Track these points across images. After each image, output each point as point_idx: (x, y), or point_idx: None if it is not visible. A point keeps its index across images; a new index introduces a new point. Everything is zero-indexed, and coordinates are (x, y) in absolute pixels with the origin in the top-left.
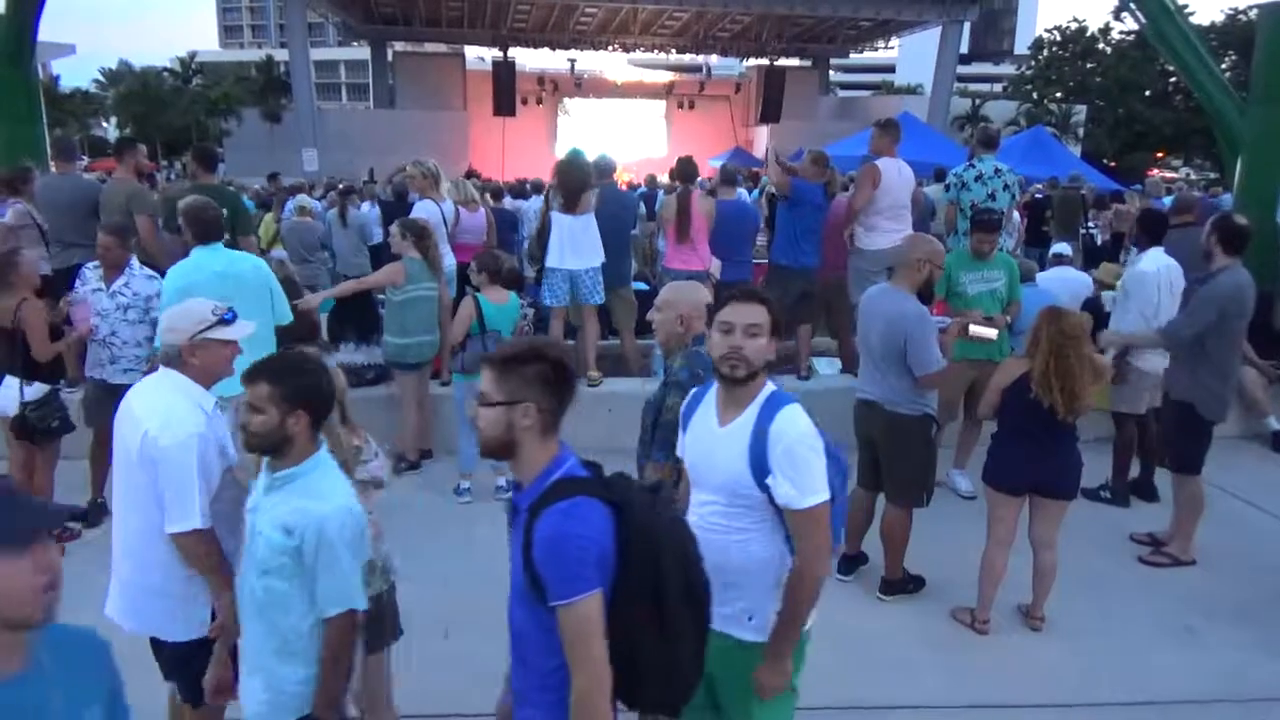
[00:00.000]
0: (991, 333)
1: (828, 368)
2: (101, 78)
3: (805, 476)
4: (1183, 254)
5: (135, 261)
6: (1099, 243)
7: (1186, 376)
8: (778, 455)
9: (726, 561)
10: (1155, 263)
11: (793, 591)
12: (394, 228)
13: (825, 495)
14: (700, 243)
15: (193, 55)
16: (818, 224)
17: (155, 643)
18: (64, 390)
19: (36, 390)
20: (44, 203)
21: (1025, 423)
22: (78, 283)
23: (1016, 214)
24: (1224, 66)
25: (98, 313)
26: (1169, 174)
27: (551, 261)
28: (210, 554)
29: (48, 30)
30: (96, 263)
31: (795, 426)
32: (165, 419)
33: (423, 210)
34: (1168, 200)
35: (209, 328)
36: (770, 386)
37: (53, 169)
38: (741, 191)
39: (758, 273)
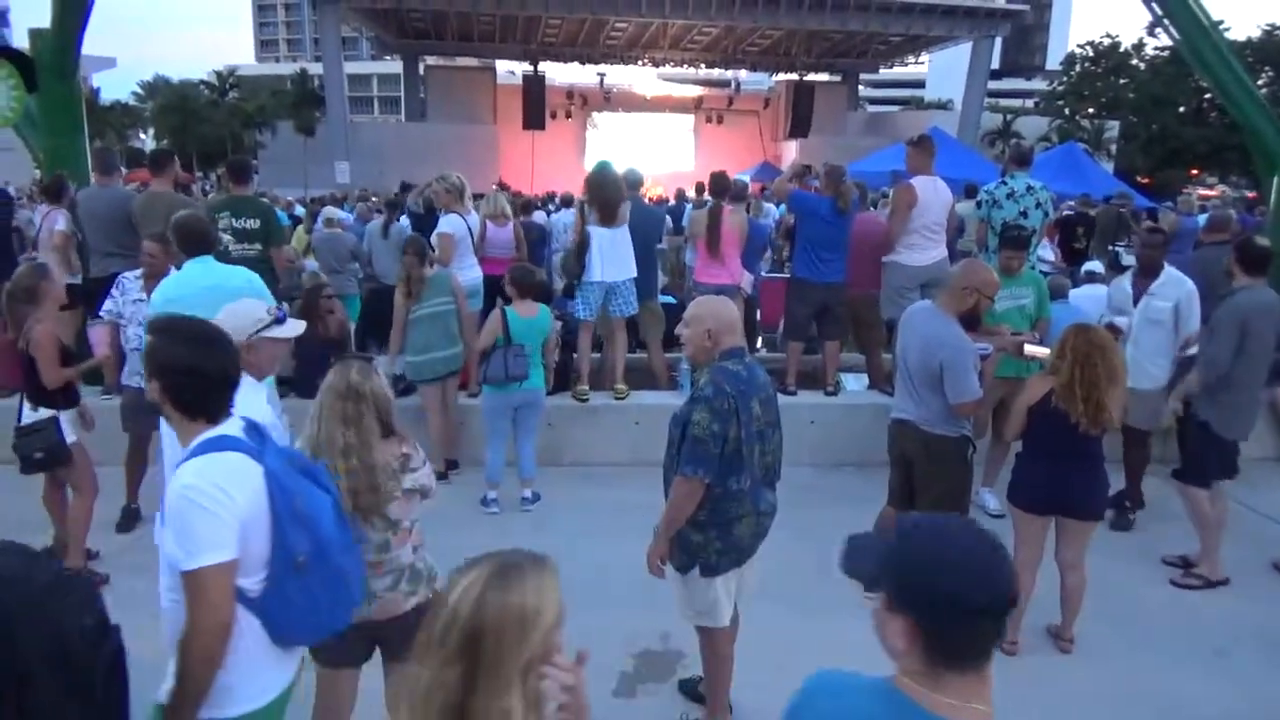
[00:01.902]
0: (1045, 351)
1: (855, 384)
2: (140, 90)
3: (182, 534)
4: (1216, 273)
5: (174, 271)
6: (1122, 262)
7: (1205, 395)
8: (166, 507)
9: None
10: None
11: (178, 662)
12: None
13: (208, 559)
14: (731, 257)
15: (231, 70)
16: (829, 237)
17: None
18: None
19: (41, 415)
20: (84, 213)
21: (1051, 441)
22: (115, 292)
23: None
24: (1260, 82)
25: (140, 322)
26: (1205, 191)
27: (593, 275)
28: None
29: (89, 44)
30: (137, 272)
31: (181, 477)
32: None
33: (448, 224)
34: (1202, 218)
35: (266, 327)
36: (211, 433)
37: (93, 180)
38: (770, 207)
39: (766, 287)
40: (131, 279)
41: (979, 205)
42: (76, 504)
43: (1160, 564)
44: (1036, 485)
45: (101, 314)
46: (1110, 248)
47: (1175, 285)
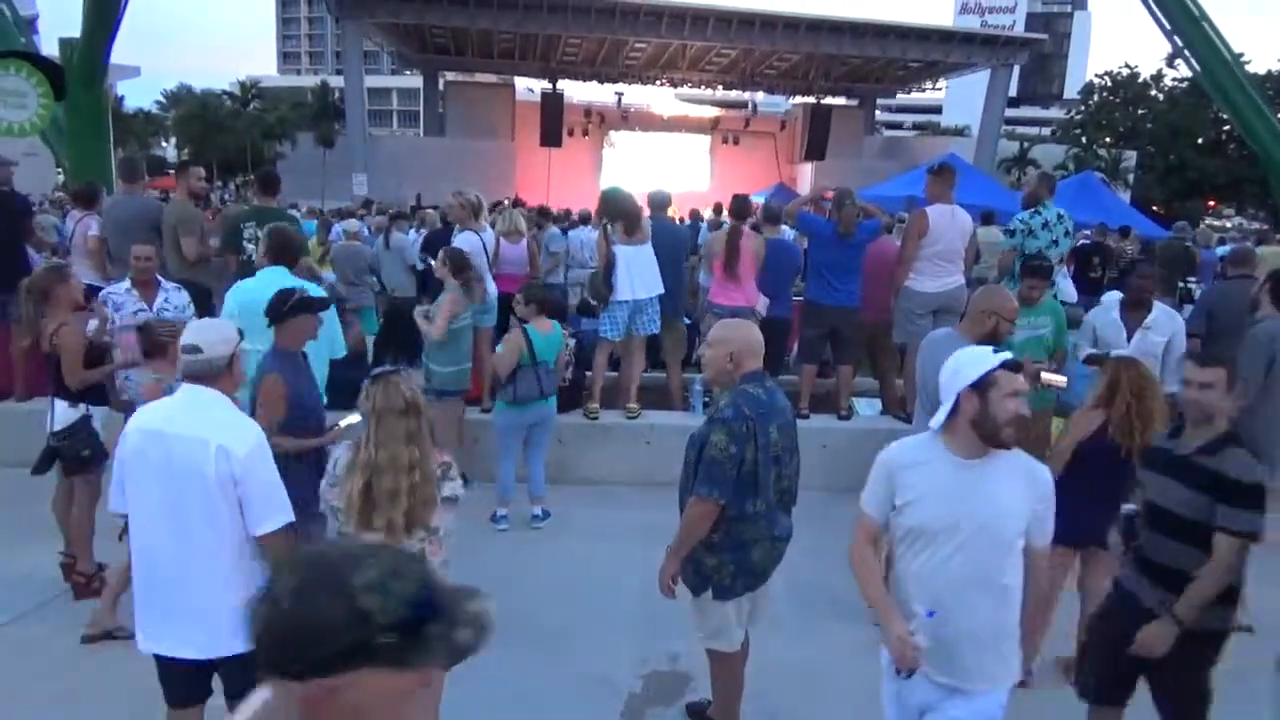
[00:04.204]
0: (1062, 380)
1: (868, 408)
2: (163, 99)
3: None
4: (1240, 307)
5: (159, 276)
6: (1195, 297)
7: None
8: None
9: None
10: None
11: None
12: (439, 255)
13: None
14: (747, 279)
15: (253, 81)
16: (835, 260)
17: (227, 663)
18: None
19: (68, 416)
20: (108, 221)
21: (1099, 475)
22: (106, 308)
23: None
24: None
25: None
26: (1216, 222)
27: (621, 294)
28: (294, 541)
29: (115, 52)
30: (125, 285)
31: None
32: (235, 431)
33: (464, 241)
34: (1221, 250)
35: (240, 340)
36: None
37: (118, 188)
38: (785, 229)
39: (798, 310)
40: (121, 291)
41: (1013, 234)
42: (78, 510)
43: None
44: (1080, 520)
45: (89, 333)
46: (1181, 284)
47: (1169, 320)
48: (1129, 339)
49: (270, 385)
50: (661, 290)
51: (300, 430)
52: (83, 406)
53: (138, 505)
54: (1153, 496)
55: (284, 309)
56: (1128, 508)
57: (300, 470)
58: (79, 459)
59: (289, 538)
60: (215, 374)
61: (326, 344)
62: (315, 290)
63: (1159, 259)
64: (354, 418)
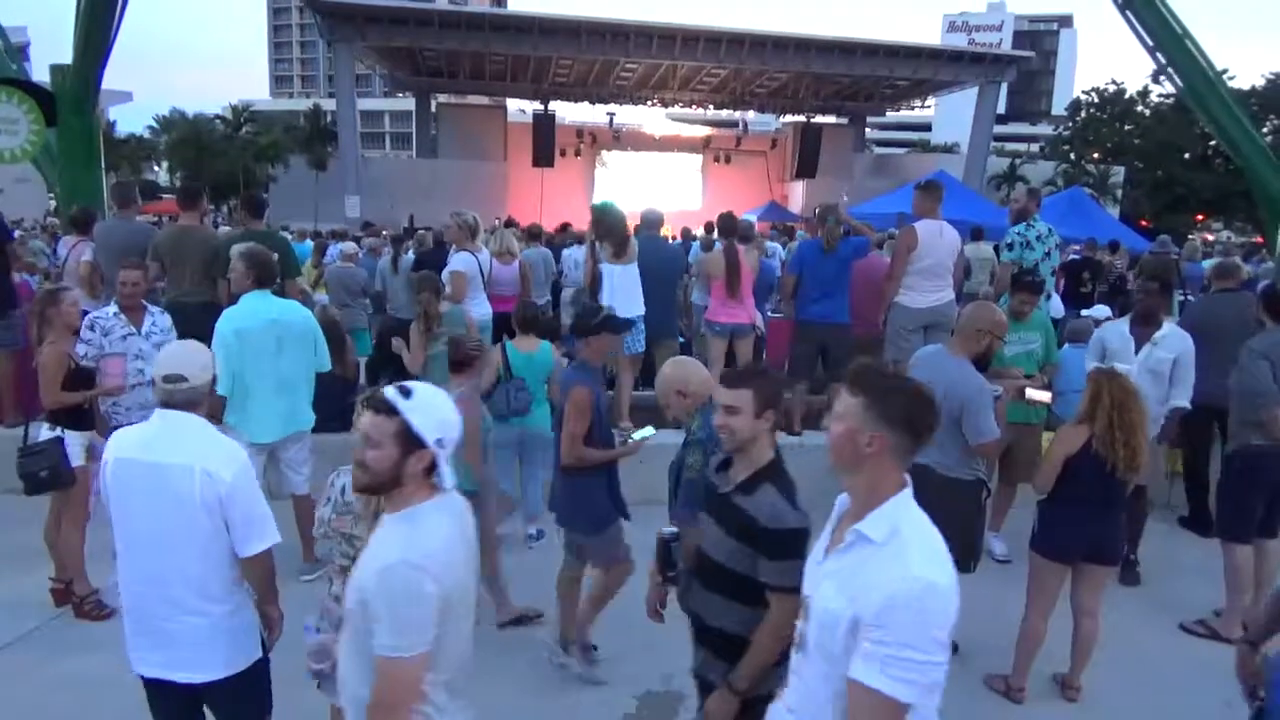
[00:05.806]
0: (1046, 396)
1: None
2: (155, 124)
3: None
4: (1225, 319)
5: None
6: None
7: (1240, 428)
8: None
9: None
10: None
11: None
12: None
13: None
14: (747, 296)
15: (246, 105)
16: (819, 276)
17: (216, 689)
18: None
19: (46, 433)
20: (100, 246)
21: (1086, 489)
22: (91, 333)
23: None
24: (1264, 131)
25: (137, 355)
26: (1207, 235)
27: None
28: (273, 564)
29: (107, 78)
30: (112, 309)
31: None
32: (219, 454)
33: (460, 262)
34: (1206, 264)
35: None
36: None
37: (110, 213)
38: (776, 246)
39: (772, 327)
40: (109, 315)
41: (1010, 248)
42: (67, 531)
43: (1166, 614)
44: (1068, 534)
45: (78, 353)
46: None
47: (1179, 339)
48: (1137, 353)
49: (581, 396)
50: (643, 310)
51: (598, 442)
52: (59, 429)
53: (123, 531)
54: (700, 539)
55: (591, 326)
56: (666, 530)
57: (594, 485)
58: (36, 478)
59: (271, 557)
60: (198, 401)
61: (311, 362)
62: (295, 312)
63: (1146, 273)
64: (648, 430)
